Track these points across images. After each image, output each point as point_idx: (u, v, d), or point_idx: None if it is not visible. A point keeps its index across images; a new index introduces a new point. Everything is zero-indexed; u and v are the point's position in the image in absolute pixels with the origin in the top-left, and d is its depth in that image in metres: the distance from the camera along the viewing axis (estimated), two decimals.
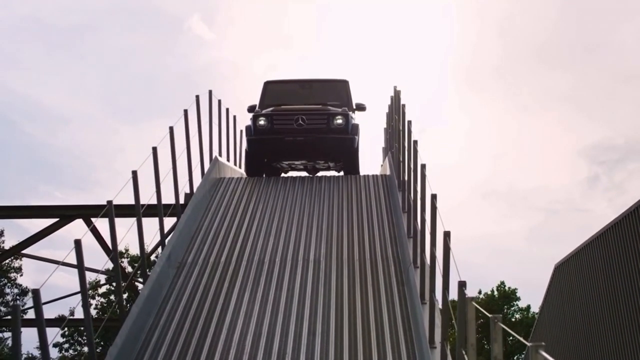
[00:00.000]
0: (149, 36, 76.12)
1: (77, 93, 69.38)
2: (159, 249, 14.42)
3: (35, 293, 7.39)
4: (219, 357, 9.95)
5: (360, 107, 18.18)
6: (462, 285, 7.27)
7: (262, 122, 16.81)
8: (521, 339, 5.05)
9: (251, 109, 17.98)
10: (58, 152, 66.82)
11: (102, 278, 37.96)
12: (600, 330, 19.84)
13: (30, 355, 41.79)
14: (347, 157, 17.22)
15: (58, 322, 29.45)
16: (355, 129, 17.20)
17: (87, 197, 67.19)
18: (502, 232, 69.21)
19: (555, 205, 72.48)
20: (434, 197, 9.77)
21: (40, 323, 7.64)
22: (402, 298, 11.31)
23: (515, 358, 48.25)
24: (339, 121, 16.87)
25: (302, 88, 18.49)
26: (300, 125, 16.72)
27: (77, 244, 8.61)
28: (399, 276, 11.99)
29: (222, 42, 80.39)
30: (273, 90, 18.26)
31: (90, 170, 69.97)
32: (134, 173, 11.13)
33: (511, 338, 50.42)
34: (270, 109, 17.07)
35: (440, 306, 9.36)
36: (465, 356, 7.14)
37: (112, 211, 10.06)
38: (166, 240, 12.79)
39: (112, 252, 10.28)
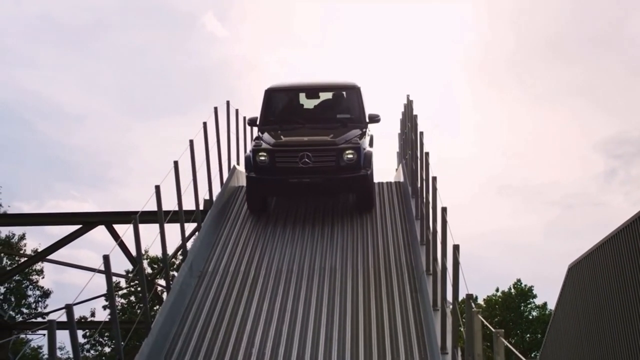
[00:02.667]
0: (162, 33, 76.76)
1: (90, 91, 70.12)
2: (179, 253, 14.94)
3: (69, 308, 7.88)
4: None
5: (374, 119, 16.25)
6: (469, 298, 7.70)
7: (262, 157, 14.83)
8: (519, 355, 5.46)
9: (252, 121, 16.48)
10: (73, 150, 67.63)
11: (122, 279, 38.68)
12: (613, 331, 20.16)
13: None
14: (360, 194, 15.21)
15: (80, 324, 30.01)
16: (368, 159, 15.07)
17: (103, 195, 67.90)
18: (518, 227, 69.41)
19: (571, 199, 72.61)
20: (444, 210, 10.23)
21: (74, 338, 8.15)
22: (415, 305, 11.75)
23: (532, 355, 48.63)
24: (350, 156, 14.76)
25: (308, 96, 16.48)
26: (306, 164, 14.65)
27: (106, 259, 9.13)
28: (412, 283, 12.42)
29: (235, 39, 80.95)
30: (276, 100, 16.35)
31: (105, 168, 70.75)
32: (157, 188, 11.62)
33: (528, 336, 50.87)
34: (272, 142, 14.98)
35: (450, 313, 9.77)
36: None
37: (137, 225, 10.54)
38: (188, 249, 13.25)
39: (138, 265, 10.78)
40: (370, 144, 16.18)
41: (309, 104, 16.45)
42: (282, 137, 15.20)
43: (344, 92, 16.38)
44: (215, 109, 15.98)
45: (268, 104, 16.23)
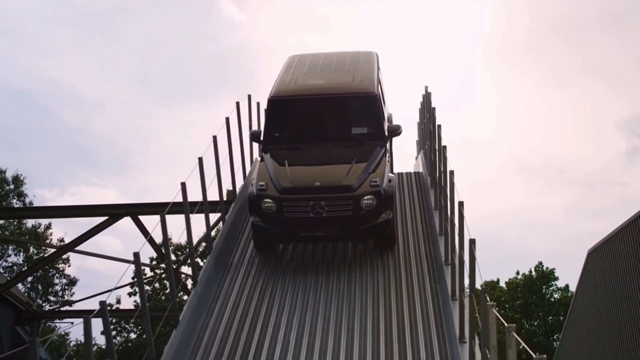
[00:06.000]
0: (180, 19, 76.79)
1: (110, 77, 70.45)
2: (204, 243, 15.25)
3: (102, 305, 8.29)
4: (265, 353, 10.82)
5: (394, 132, 14.44)
6: (484, 292, 8.03)
7: (268, 204, 12.99)
8: (530, 350, 5.79)
9: (255, 136, 14.72)
10: (93, 136, 68.10)
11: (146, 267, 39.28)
12: (633, 315, 20.38)
13: (78, 342, 43.28)
14: (380, 238, 13.51)
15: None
16: (389, 199, 13.10)
17: (124, 181, 68.45)
18: (539, 207, 69.23)
19: (593, 179, 72.30)
20: (461, 204, 10.56)
21: (108, 332, 8.58)
22: (434, 295, 12.09)
23: (555, 337, 48.86)
24: (369, 202, 12.84)
25: (318, 106, 14.20)
26: (319, 214, 12.77)
27: (136, 256, 9.54)
28: (432, 274, 12.76)
29: (253, 24, 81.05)
30: (281, 112, 14.28)
31: (126, 154, 71.30)
32: (183, 185, 12.00)
33: (550, 318, 51.08)
34: (279, 185, 13.05)
35: (467, 304, 10.11)
36: (488, 354, 7.92)
37: (164, 222, 10.93)
38: (213, 241, 13.65)
39: (166, 260, 11.21)
40: (391, 167, 14.48)
41: (319, 109, 14.31)
42: (288, 172, 13.22)
43: (360, 100, 14.19)
44: (237, 103, 16.32)
45: (272, 117, 14.29)
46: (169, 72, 75.78)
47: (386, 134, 14.18)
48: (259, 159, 17.29)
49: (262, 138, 14.35)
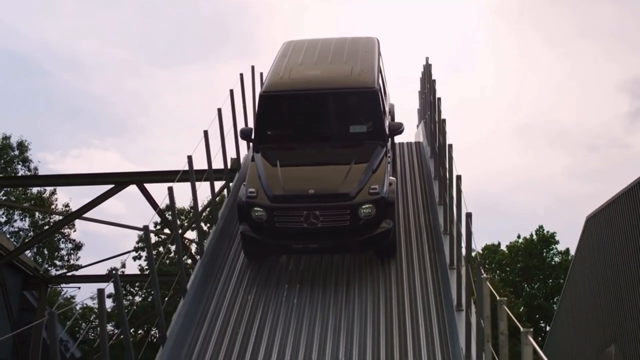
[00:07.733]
0: None
1: (110, 39, 70.61)
2: (208, 211, 15.55)
3: (115, 277, 8.67)
4: (271, 319, 11.25)
5: (396, 130, 13.34)
6: (480, 265, 8.40)
7: (258, 213, 11.99)
8: (519, 324, 6.16)
9: (245, 134, 13.67)
10: (94, 99, 68.41)
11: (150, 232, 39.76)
12: (629, 282, 20.76)
13: (85, 305, 43.93)
14: (380, 249, 12.46)
15: (108, 277, 31.22)
16: (390, 206, 12.06)
17: (125, 144, 68.83)
18: (540, 169, 69.60)
19: (595, 140, 72.45)
20: (458, 177, 10.89)
21: (120, 302, 8.97)
22: (433, 264, 12.47)
23: (555, 299, 49.45)
24: (368, 211, 11.82)
25: (313, 102, 13.12)
26: (313, 224, 11.74)
27: (146, 228, 9.91)
28: (431, 243, 13.12)
29: None
30: (274, 109, 13.23)
31: (127, 116, 71.70)
32: (189, 158, 12.33)
33: (550, 281, 51.68)
34: (270, 192, 11.98)
35: (464, 274, 10.50)
36: (482, 324, 8.32)
37: (172, 196, 11.28)
38: (218, 212, 14.02)
39: (174, 232, 11.59)
40: (393, 167, 13.66)
41: (314, 105, 13.24)
42: (281, 177, 12.19)
43: (359, 96, 13.11)
44: (241, 75, 16.60)
45: (264, 114, 13.20)
46: (168, 34, 75.80)
47: (387, 132, 13.11)
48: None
49: (253, 136, 13.29)
